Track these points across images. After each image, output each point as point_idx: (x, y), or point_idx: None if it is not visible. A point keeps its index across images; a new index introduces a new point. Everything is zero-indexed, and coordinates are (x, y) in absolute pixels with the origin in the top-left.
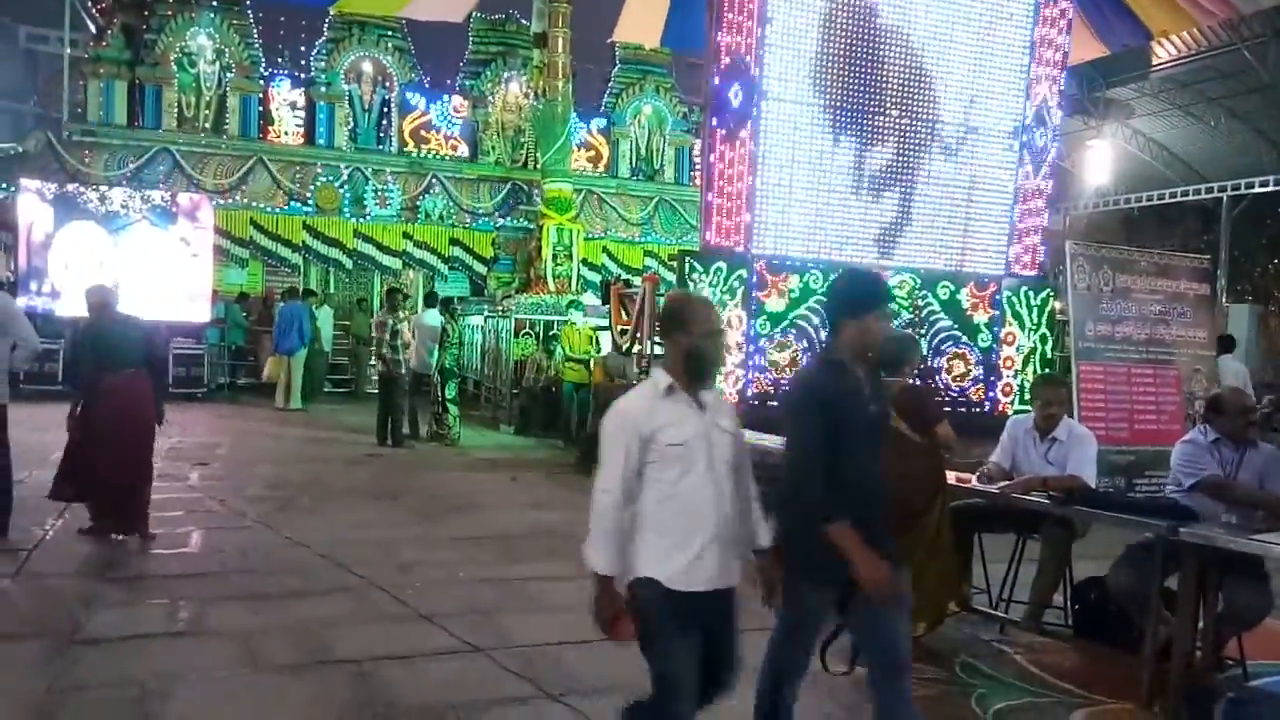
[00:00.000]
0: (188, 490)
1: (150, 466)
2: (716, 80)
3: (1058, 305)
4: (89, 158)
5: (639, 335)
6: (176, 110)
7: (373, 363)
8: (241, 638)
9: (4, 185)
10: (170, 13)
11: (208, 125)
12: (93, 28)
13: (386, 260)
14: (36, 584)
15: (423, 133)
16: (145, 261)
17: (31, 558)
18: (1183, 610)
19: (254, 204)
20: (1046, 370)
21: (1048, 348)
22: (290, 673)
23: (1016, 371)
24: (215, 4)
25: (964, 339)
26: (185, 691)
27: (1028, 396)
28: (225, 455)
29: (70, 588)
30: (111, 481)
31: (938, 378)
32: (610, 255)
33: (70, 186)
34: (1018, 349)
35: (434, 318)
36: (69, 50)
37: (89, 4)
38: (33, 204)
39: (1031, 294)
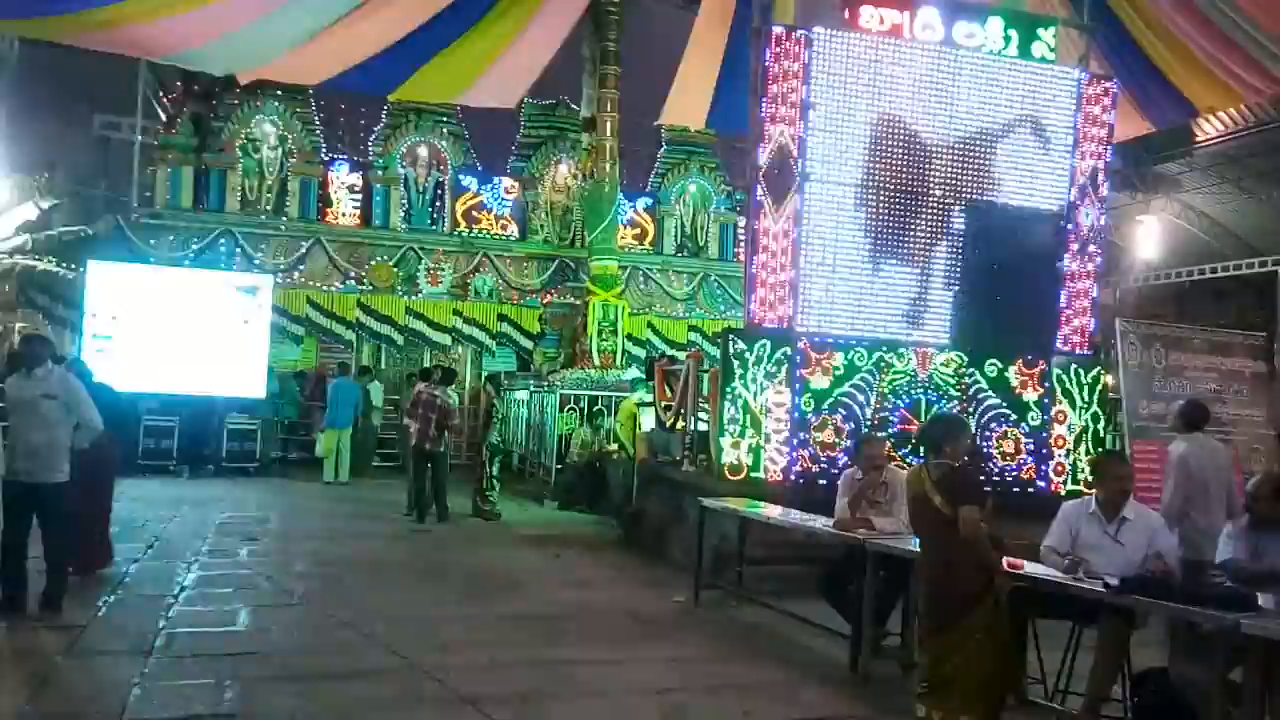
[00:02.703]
0: (238, 567)
1: (106, 514)
2: (760, 162)
3: (1110, 382)
4: (155, 240)
5: (683, 412)
6: (240, 194)
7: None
8: None
9: (74, 266)
10: (236, 102)
11: (269, 208)
12: (163, 116)
13: (436, 336)
14: (88, 662)
15: (474, 213)
16: (205, 339)
17: (84, 635)
18: (1248, 704)
19: (311, 283)
20: (1106, 448)
21: (1100, 426)
22: None
23: (1068, 451)
24: (279, 93)
25: (1013, 418)
26: None
27: (1085, 475)
28: (275, 530)
29: (120, 665)
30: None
31: (987, 457)
32: (655, 330)
33: (136, 267)
34: (1069, 428)
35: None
36: (140, 138)
37: (160, 94)
38: (100, 284)
39: (1082, 372)
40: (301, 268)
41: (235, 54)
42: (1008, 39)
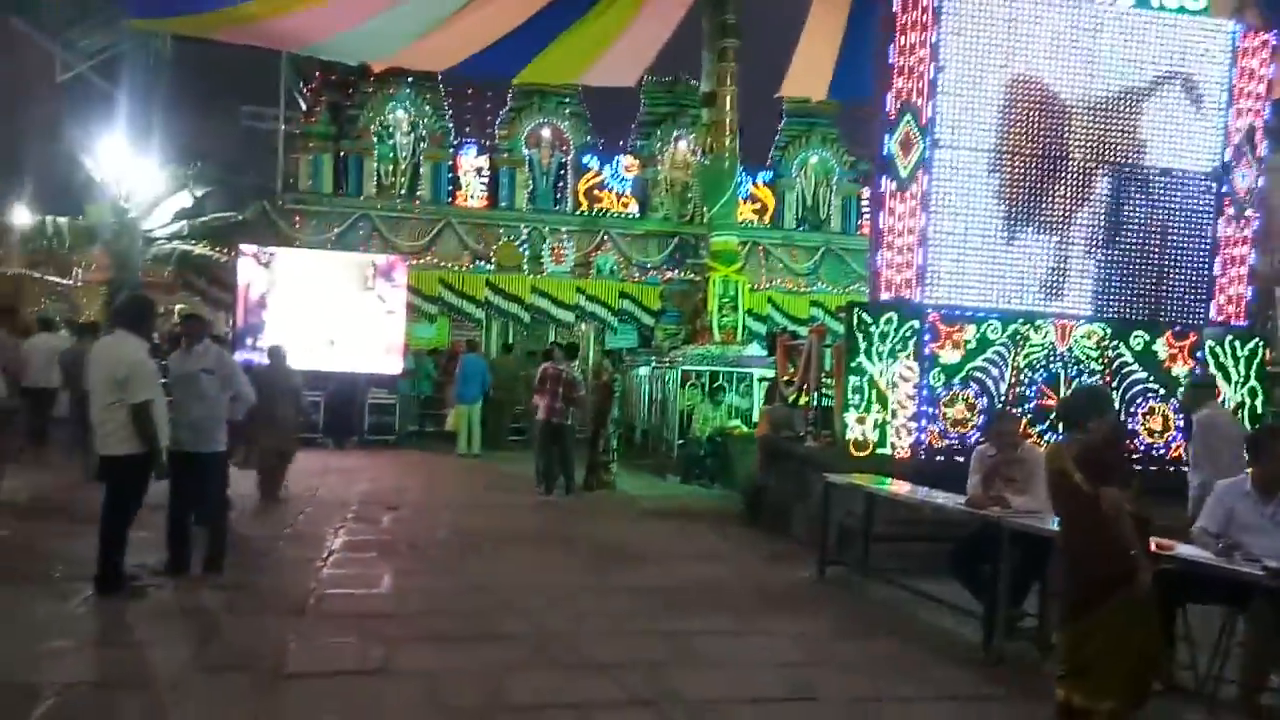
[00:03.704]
0: (380, 533)
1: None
2: (886, 130)
3: (1270, 355)
4: (299, 224)
5: (805, 387)
6: (375, 179)
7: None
8: (427, 678)
9: (226, 249)
10: (371, 90)
11: (403, 191)
12: (304, 106)
13: (560, 314)
14: (247, 619)
15: (596, 192)
16: (346, 318)
17: (243, 594)
18: None
19: (443, 264)
20: (1264, 425)
21: (1258, 402)
22: (471, 717)
23: None
24: (411, 81)
25: (1162, 393)
26: None
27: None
28: (414, 500)
29: (278, 624)
30: None
31: (1133, 434)
32: (776, 306)
33: (282, 249)
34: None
35: None
36: (283, 127)
37: (301, 85)
38: (249, 266)
39: (1238, 344)
40: (434, 248)
41: (368, 43)
42: None
